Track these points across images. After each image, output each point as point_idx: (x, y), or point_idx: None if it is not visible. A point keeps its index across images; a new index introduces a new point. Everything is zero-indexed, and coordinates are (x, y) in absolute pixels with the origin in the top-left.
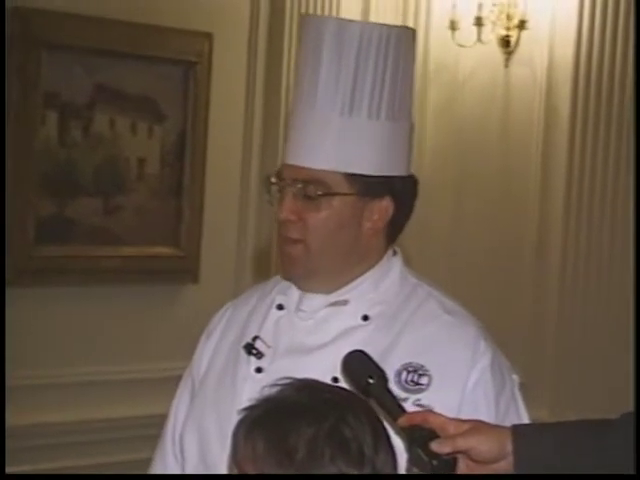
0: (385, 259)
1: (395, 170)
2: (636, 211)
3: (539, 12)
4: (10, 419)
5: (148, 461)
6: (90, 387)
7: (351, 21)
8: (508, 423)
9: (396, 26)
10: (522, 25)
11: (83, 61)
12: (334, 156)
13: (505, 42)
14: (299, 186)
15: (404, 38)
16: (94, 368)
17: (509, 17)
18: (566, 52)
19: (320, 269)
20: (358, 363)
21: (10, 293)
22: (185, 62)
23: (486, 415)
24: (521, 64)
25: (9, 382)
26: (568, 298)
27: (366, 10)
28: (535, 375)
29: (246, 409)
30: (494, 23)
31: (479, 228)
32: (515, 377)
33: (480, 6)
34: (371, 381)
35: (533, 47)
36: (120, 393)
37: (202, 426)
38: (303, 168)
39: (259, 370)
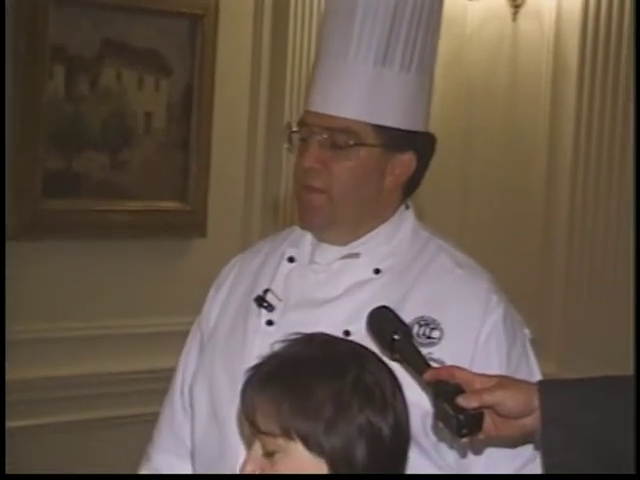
0: (398, 213)
1: (419, 125)
2: (636, 207)
3: None
4: (14, 373)
5: (155, 415)
6: (97, 341)
7: None
8: (520, 377)
9: None
10: None
11: (90, 15)
12: (366, 106)
13: None
14: (325, 135)
15: None
16: (101, 322)
17: None
18: (574, 5)
19: (340, 220)
20: (383, 319)
21: (17, 246)
22: (192, 15)
23: (498, 369)
24: (529, 17)
25: (14, 336)
26: (576, 250)
27: None
28: (543, 329)
29: (257, 364)
30: None
31: (486, 180)
32: (527, 331)
33: None
34: (396, 337)
35: (541, 0)
36: (128, 347)
37: (212, 378)
38: (332, 116)
39: (270, 323)
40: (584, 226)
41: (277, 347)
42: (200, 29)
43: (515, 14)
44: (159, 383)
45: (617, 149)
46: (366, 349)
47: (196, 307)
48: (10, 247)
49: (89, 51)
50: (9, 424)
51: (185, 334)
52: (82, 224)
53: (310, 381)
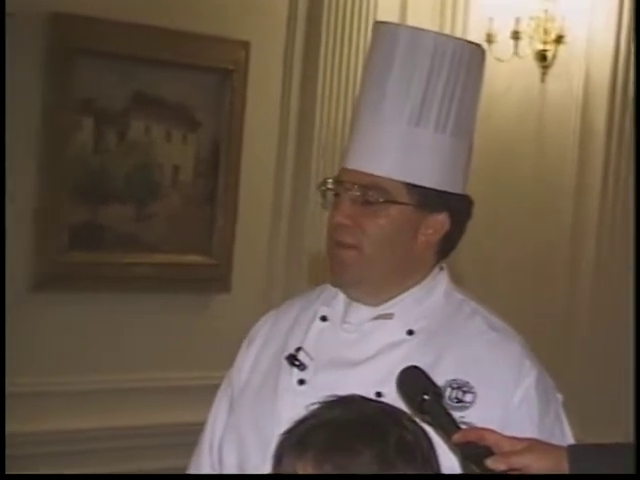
0: (432, 274)
1: (454, 187)
2: (636, 212)
3: (576, 27)
4: (41, 426)
5: (180, 470)
6: (120, 395)
7: (426, 31)
8: (553, 442)
9: (469, 42)
10: (559, 40)
11: (119, 68)
12: (399, 165)
13: (542, 56)
14: (358, 192)
15: (476, 55)
16: (124, 376)
17: (546, 31)
18: (603, 67)
19: (370, 277)
20: (413, 379)
21: (41, 298)
22: (222, 70)
23: (530, 434)
24: (558, 79)
25: (40, 388)
26: (599, 316)
27: (402, 21)
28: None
29: (293, 427)
30: (531, 37)
31: (512, 242)
32: (559, 396)
33: (517, 20)
34: (426, 397)
35: (570, 62)
36: (151, 401)
37: (241, 436)
38: (365, 173)
39: (301, 382)
40: (609, 284)
41: (313, 410)
42: (229, 84)
43: (544, 75)
44: (178, 437)
45: None
46: (400, 410)
47: (219, 362)
48: (33, 297)
49: (118, 104)
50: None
51: (206, 389)
52: (106, 277)
53: (352, 444)
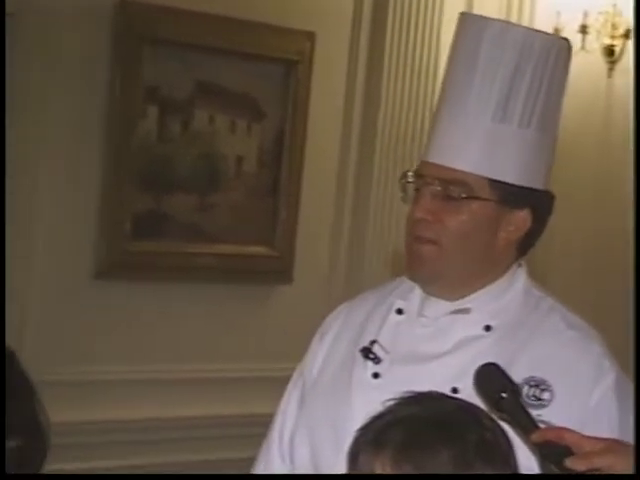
0: (511, 271)
1: (537, 183)
2: (636, 212)
3: None
4: (91, 414)
5: (236, 461)
6: (181, 385)
7: (514, 25)
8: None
9: (557, 37)
10: (627, 34)
11: (184, 57)
12: (482, 160)
13: (609, 51)
14: (439, 187)
15: (563, 50)
16: (183, 366)
17: (614, 26)
18: None
19: (448, 273)
20: (491, 376)
21: (104, 285)
22: (286, 60)
23: (608, 435)
24: (625, 74)
25: (94, 376)
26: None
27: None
28: None
29: (369, 424)
30: (599, 31)
31: (573, 237)
32: None
33: (586, 14)
34: (504, 395)
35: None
36: (213, 391)
37: (314, 430)
38: (447, 168)
39: (376, 375)
40: None
41: (389, 405)
42: (294, 75)
43: (610, 70)
44: (242, 428)
45: None
46: (479, 408)
47: (280, 353)
48: (98, 286)
49: (182, 93)
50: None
51: (268, 380)
52: (167, 266)
53: (431, 443)
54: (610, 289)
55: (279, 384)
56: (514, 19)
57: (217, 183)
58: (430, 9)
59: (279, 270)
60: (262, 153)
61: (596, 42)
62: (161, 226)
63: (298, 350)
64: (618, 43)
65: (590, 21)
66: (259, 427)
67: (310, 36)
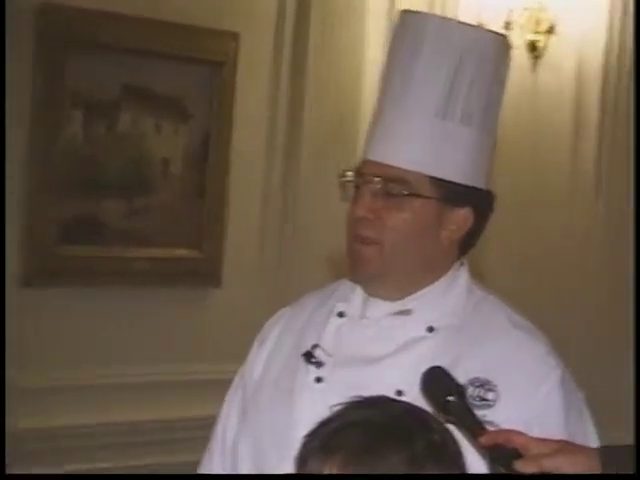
0: (452, 270)
1: (478, 181)
2: (636, 211)
3: (568, 17)
4: (25, 421)
5: (166, 466)
6: (111, 389)
7: (455, 21)
8: (577, 442)
9: (498, 33)
10: (551, 30)
11: (109, 59)
12: (423, 158)
13: (533, 47)
14: (379, 185)
15: (504, 48)
16: (116, 370)
17: (538, 22)
18: (595, 57)
19: (391, 272)
20: (437, 380)
21: (32, 293)
22: (211, 62)
23: (555, 433)
24: (549, 69)
25: (25, 383)
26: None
27: (391, 10)
28: None
29: (317, 429)
30: (522, 27)
31: (508, 232)
32: (581, 395)
33: (510, 11)
34: (451, 399)
35: (561, 52)
36: (143, 396)
37: (257, 436)
38: (388, 166)
39: (319, 380)
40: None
41: (337, 411)
42: (219, 76)
43: (535, 65)
44: (171, 433)
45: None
46: (426, 411)
47: (210, 355)
48: (23, 293)
49: (108, 96)
50: None
51: (200, 383)
52: (97, 270)
53: (381, 447)
54: (549, 287)
55: (212, 386)
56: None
57: (145, 186)
58: (353, 8)
59: (208, 273)
60: (189, 155)
61: (520, 38)
62: (89, 230)
63: (229, 352)
64: (541, 39)
65: (514, 17)
66: (190, 431)
67: (235, 37)
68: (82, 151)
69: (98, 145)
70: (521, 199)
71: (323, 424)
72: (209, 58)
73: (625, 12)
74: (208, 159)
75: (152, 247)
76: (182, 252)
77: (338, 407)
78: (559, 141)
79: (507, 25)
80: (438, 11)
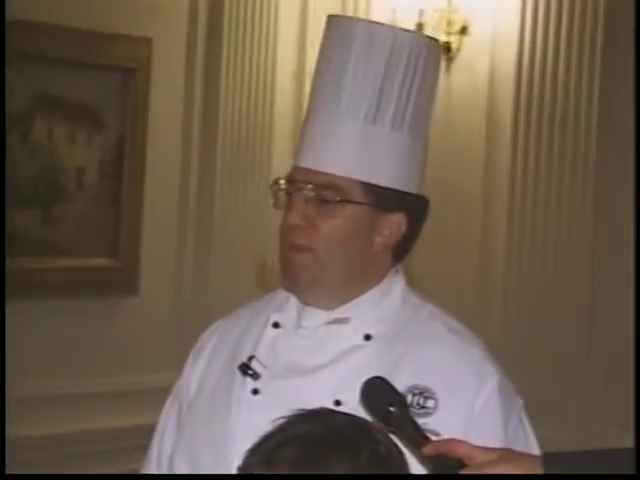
0: (387, 277)
1: (411, 186)
2: (636, 212)
3: (480, 18)
4: None
5: None
6: (31, 403)
7: (382, 25)
8: (516, 448)
9: (427, 37)
10: (463, 31)
11: (20, 68)
12: (354, 163)
13: (446, 48)
14: (312, 192)
15: (433, 51)
16: (34, 384)
17: (450, 23)
18: (508, 58)
19: (325, 280)
20: (377, 391)
21: None
22: (124, 68)
23: (493, 440)
24: (462, 71)
25: None
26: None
27: (304, 13)
28: None
29: (259, 443)
30: (434, 29)
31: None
32: (520, 400)
33: (421, 12)
34: (392, 409)
35: (474, 53)
36: (62, 408)
37: (193, 451)
38: (319, 172)
39: (255, 392)
40: (519, 289)
41: (279, 424)
42: (132, 82)
43: (448, 67)
44: (92, 445)
45: (552, 204)
46: (369, 422)
47: (129, 366)
48: None
49: (20, 105)
50: None
51: (117, 394)
52: (14, 282)
53: (326, 460)
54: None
55: (133, 397)
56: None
57: (59, 196)
58: (266, 10)
59: (124, 281)
60: (103, 163)
61: None
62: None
63: (146, 361)
64: (454, 40)
65: (426, 18)
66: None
67: (147, 42)
68: None
69: (12, 156)
70: (434, 202)
71: (266, 438)
72: (122, 65)
73: (536, 9)
74: (123, 167)
75: (68, 257)
76: (100, 261)
77: (280, 421)
78: (472, 142)
79: (419, 27)
80: (350, 14)
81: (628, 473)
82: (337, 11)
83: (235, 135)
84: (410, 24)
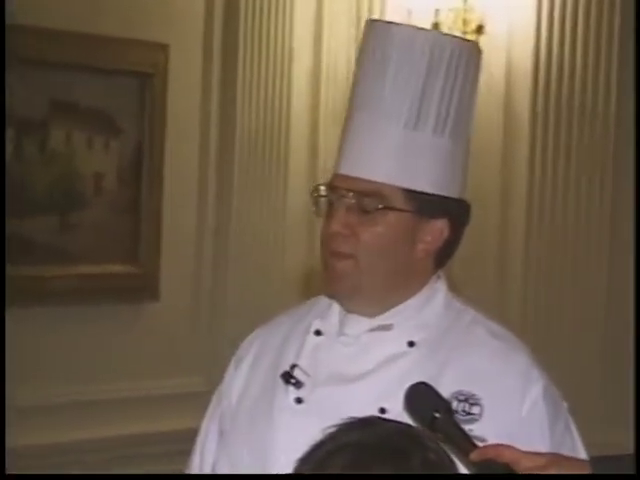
0: (430, 283)
1: (453, 191)
2: (636, 210)
3: (496, 17)
4: None
5: None
6: (51, 410)
7: (423, 30)
8: (563, 452)
9: (467, 40)
10: (479, 30)
11: (37, 75)
12: (396, 170)
13: None
14: (353, 200)
15: (474, 55)
16: (53, 390)
17: (465, 22)
18: (524, 56)
19: (367, 287)
20: (422, 397)
21: None
22: (141, 74)
23: (541, 445)
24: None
25: None
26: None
27: (319, 15)
28: None
29: (310, 453)
30: (450, 28)
31: None
32: (565, 404)
33: (437, 12)
34: (437, 415)
35: (491, 52)
36: (82, 415)
37: (235, 461)
38: (361, 179)
39: (299, 401)
40: (537, 287)
41: (329, 433)
42: (149, 88)
43: None
44: (109, 452)
45: (571, 201)
46: (419, 429)
47: (149, 372)
48: None
49: (37, 112)
50: None
51: (138, 400)
52: (31, 290)
53: (377, 469)
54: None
55: (154, 403)
56: (364, 18)
57: (77, 202)
58: (281, 13)
59: (145, 287)
60: (121, 169)
61: None
62: (21, 250)
63: (167, 367)
64: (471, 39)
65: (441, 18)
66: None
67: (164, 48)
68: (13, 170)
69: (30, 163)
70: None
71: (316, 447)
72: (138, 70)
73: (552, 8)
74: (141, 173)
75: (86, 264)
76: (119, 268)
77: (330, 429)
78: (489, 142)
79: (435, 26)
80: (365, 15)
81: (628, 473)
82: (352, 12)
83: (252, 140)
84: (425, 23)
